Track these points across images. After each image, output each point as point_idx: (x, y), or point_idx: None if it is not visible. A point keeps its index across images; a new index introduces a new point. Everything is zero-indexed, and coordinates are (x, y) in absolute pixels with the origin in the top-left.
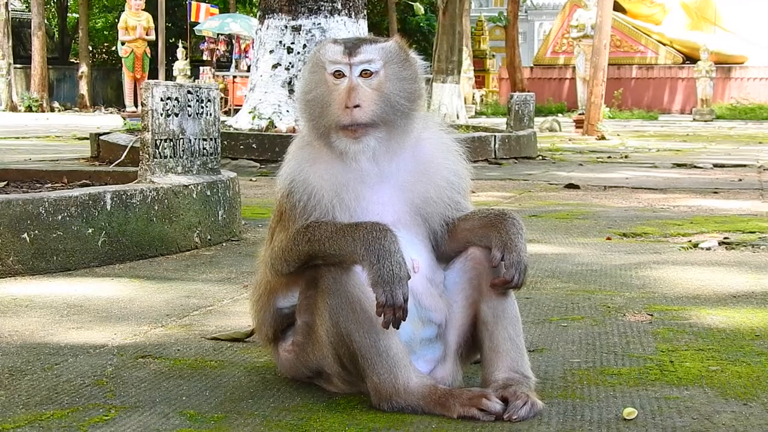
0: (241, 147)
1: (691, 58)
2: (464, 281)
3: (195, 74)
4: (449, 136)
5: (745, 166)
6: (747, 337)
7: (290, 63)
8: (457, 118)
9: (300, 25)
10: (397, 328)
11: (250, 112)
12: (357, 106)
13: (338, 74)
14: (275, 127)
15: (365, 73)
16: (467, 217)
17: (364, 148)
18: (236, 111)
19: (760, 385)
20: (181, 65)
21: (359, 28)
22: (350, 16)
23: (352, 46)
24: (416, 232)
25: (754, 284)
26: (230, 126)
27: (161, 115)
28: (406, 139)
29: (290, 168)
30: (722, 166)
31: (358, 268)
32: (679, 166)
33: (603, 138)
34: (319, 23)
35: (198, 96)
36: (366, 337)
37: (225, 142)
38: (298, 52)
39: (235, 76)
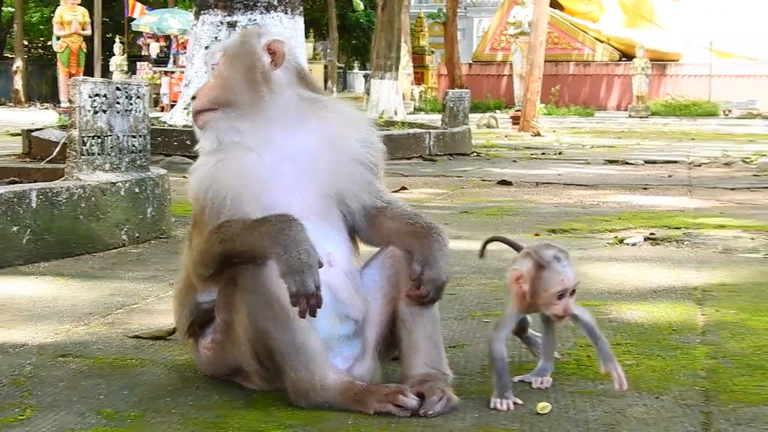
0: (175, 143)
1: (627, 55)
2: (383, 278)
3: (132, 70)
4: (357, 112)
5: (676, 162)
6: (664, 332)
7: None
8: (395, 114)
9: (236, 21)
10: (314, 316)
11: (184, 109)
12: (193, 98)
13: None
14: None
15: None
16: (394, 216)
17: (209, 128)
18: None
19: (672, 379)
20: (118, 61)
21: (295, 24)
22: (286, 12)
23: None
24: (331, 223)
25: (675, 279)
26: (164, 122)
27: (89, 111)
28: (261, 111)
29: (199, 170)
30: (653, 162)
31: (273, 264)
32: (611, 162)
33: (538, 134)
34: (255, 19)
35: (127, 93)
36: (283, 334)
37: (159, 139)
38: None
39: (173, 72)
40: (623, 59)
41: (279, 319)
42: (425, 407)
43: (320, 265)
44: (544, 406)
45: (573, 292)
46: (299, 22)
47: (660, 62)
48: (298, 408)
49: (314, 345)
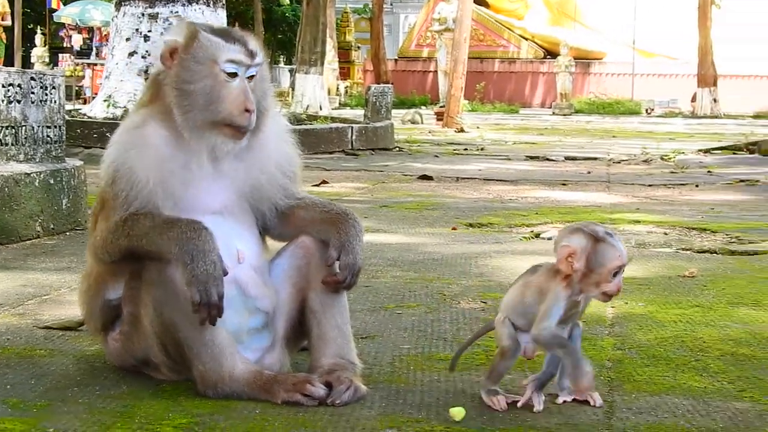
0: (95, 135)
1: (552, 53)
2: (293, 269)
3: (54, 62)
4: (283, 124)
5: (596, 159)
6: None
7: (147, 51)
8: (320, 109)
9: (157, 13)
10: (213, 325)
11: (105, 101)
12: (251, 110)
13: (233, 74)
14: None
15: (251, 76)
16: (307, 206)
17: (236, 147)
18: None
19: None
20: (39, 52)
21: (218, 17)
22: (208, 5)
23: (251, 48)
24: (243, 220)
25: None
26: (84, 114)
27: (2, 101)
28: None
29: (114, 154)
30: (574, 158)
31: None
32: (533, 158)
33: (462, 131)
34: (177, 11)
35: (42, 83)
36: (190, 328)
37: (78, 131)
38: (155, 41)
39: (95, 64)
40: (548, 57)
41: (186, 314)
42: (332, 396)
43: (225, 274)
44: (457, 412)
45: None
46: (221, 15)
47: (584, 60)
48: (206, 398)
49: (221, 337)
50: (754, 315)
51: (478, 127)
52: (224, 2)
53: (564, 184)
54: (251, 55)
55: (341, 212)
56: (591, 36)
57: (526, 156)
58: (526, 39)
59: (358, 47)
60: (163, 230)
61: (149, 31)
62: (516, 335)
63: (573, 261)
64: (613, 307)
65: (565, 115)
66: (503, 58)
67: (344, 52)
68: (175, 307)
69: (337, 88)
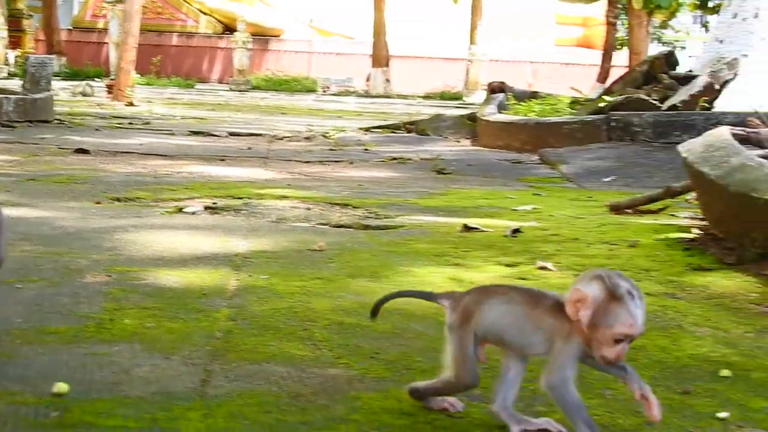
0: None
1: (231, 29)
2: None
3: None
4: None
5: (260, 135)
6: (194, 296)
7: None
8: None
9: None
10: None
11: None
12: None
13: None
14: None
15: None
16: None
17: None
18: None
19: (187, 340)
20: None
21: None
22: None
23: None
24: None
25: (221, 246)
26: None
27: None
28: None
29: None
30: (238, 134)
31: None
32: (197, 133)
33: (132, 104)
34: None
35: None
36: None
37: None
38: None
39: None
40: (227, 32)
41: None
42: None
43: None
44: (61, 387)
45: (632, 340)
46: None
47: (262, 37)
48: None
49: None
50: (370, 286)
51: (150, 101)
52: None
53: (222, 160)
54: None
55: None
56: (270, 13)
57: (190, 131)
58: (205, 14)
59: (31, 16)
60: None
61: None
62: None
63: (579, 308)
64: (237, 279)
65: (241, 91)
66: (182, 32)
67: (15, 21)
68: None
69: (6, 58)
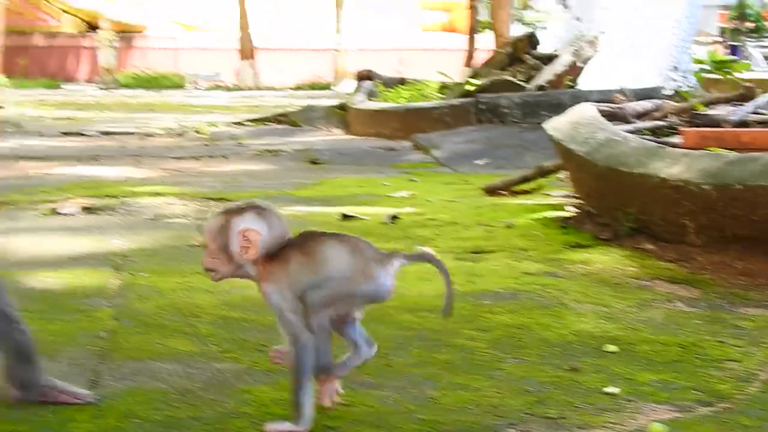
0: None
1: (95, 27)
2: None
3: None
4: None
5: (132, 134)
6: (76, 297)
7: None
8: None
9: None
10: None
11: None
12: None
13: None
14: None
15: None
16: None
17: None
18: None
19: (72, 342)
20: None
21: None
22: None
23: None
24: None
25: (100, 246)
26: None
27: None
28: None
29: None
30: (110, 133)
31: None
32: (67, 134)
33: (1, 107)
34: None
35: None
36: None
37: None
38: None
39: None
40: (91, 31)
41: None
42: None
43: None
44: None
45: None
46: None
47: (127, 34)
48: None
49: None
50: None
51: (19, 104)
52: None
53: (95, 159)
54: None
55: None
56: (133, 9)
57: (61, 132)
58: (68, 13)
59: None
60: None
61: None
62: None
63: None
64: (119, 279)
65: (110, 89)
66: (45, 32)
67: None
68: None
69: None
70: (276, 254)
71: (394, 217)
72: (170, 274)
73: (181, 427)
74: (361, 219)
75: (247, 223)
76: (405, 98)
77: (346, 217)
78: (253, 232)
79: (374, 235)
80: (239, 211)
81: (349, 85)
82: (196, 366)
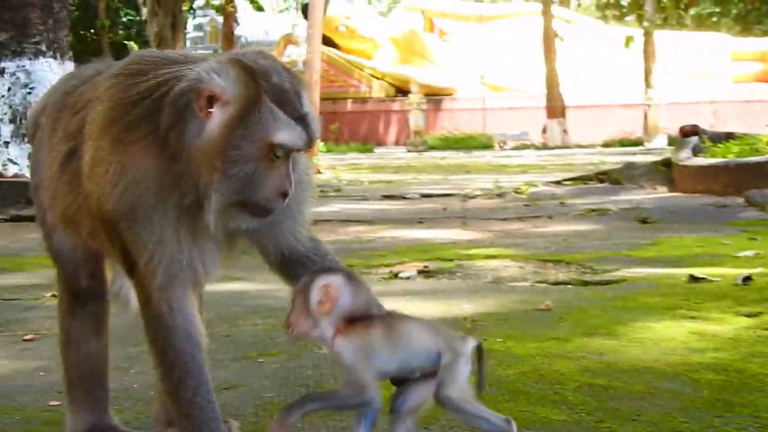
0: None
1: (404, 91)
2: None
3: None
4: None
5: (451, 195)
6: None
7: None
8: None
9: (3, 68)
10: None
11: None
12: (288, 194)
13: (283, 155)
14: None
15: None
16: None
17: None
18: None
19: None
20: None
21: (65, 69)
22: (56, 58)
23: (312, 131)
24: None
25: (447, 310)
26: None
27: None
28: None
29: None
30: (429, 196)
31: None
32: (388, 197)
33: (318, 172)
34: (24, 65)
35: None
36: None
37: None
38: (2, 95)
39: None
40: (400, 95)
41: None
42: None
43: None
44: None
45: None
46: (69, 66)
47: (435, 97)
48: None
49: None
50: (609, 345)
51: (334, 168)
52: (71, 54)
53: (421, 222)
54: (310, 140)
55: None
56: (440, 72)
57: (382, 195)
58: (377, 78)
59: None
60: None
61: None
62: None
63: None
64: None
65: (419, 151)
66: (355, 98)
67: None
68: None
69: None
70: (357, 320)
71: (747, 278)
72: (525, 340)
73: None
74: (711, 281)
75: (331, 280)
76: (734, 153)
77: (694, 278)
78: (333, 288)
79: (729, 298)
80: (328, 270)
81: (662, 140)
82: None
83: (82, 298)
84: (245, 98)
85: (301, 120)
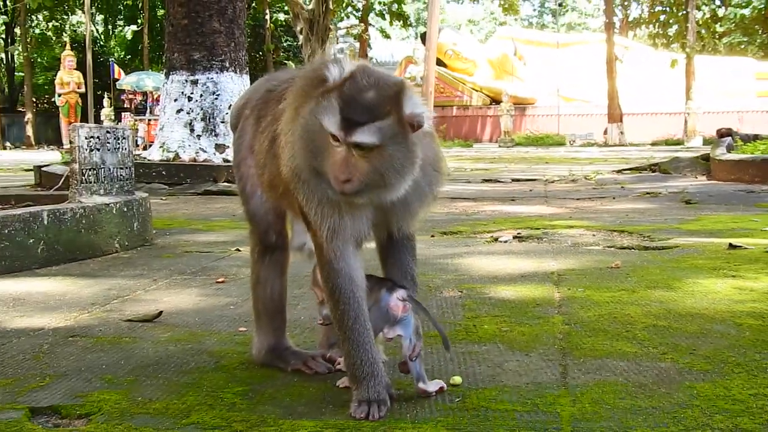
0: (154, 174)
1: (496, 101)
2: None
3: (118, 118)
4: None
5: (535, 180)
6: (530, 306)
7: (190, 108)
8: None
9: (197, 80)
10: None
11: (160, 147)
12: (344, 181)
13: (336, 142)
14: (179, 158)
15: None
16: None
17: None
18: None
19: (537, 341)
20: (106, 111)
21: (243, 81)
22: (236, 72)
23: (354, 127)
24: None
25: (537, 267)
26: (145, 158)
27: (86, 150)
28: None
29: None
30: (518, 180)
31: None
32: (487, 181)
33: None
34: (212, 77)
35: (115, 135)
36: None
37: (141, 170)
38: (196, 100)
39: (150, 119)
40: (493, 104)
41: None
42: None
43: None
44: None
45: None
46: (246, 79)
47: (521, 105)
48: (257, 370)
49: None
50: (667, 295)
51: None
52: (248, 69)
53: (513, 200)
54: (348, 133)
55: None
56: (525, 87)
57: (482, 179)
58: (476, 90)
59: None
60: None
61: (192, 93)
62: None
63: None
64: (559, 292)
65: (508, 147)
66: (459, 105)
67: None
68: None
69: None
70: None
71: None
72: (600, 290)
73: (644, 414)
74: (746, 248)
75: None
76: (761, 150)
77: (732, 246)
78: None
79: (761, 262)
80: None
81: (698, 141)
82: (643, 364)
83: (270, 249)
84: (328, 89)
85: (346, 120)
